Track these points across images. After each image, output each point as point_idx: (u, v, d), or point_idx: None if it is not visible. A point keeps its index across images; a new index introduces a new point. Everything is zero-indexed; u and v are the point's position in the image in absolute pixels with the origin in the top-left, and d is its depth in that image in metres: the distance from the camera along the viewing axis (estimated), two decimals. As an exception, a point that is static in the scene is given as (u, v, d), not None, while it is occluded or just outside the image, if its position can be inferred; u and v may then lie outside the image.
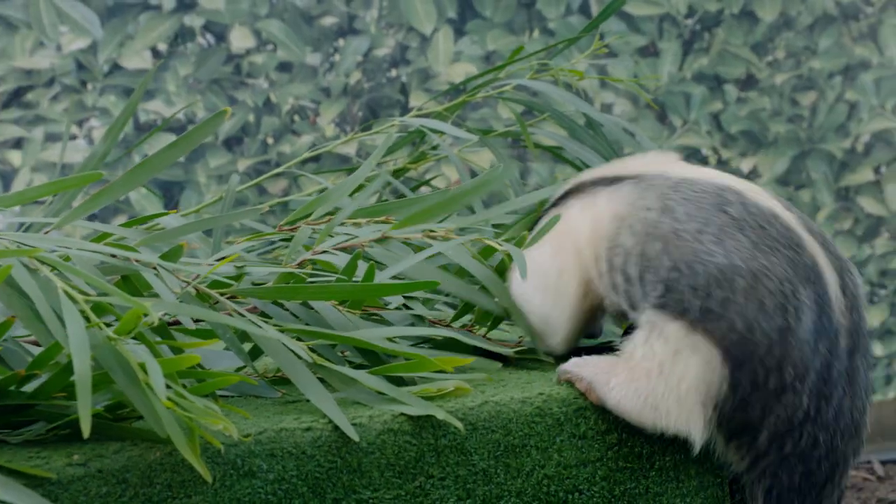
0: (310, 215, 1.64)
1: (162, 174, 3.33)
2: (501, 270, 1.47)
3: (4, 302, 1.25)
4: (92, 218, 3.15)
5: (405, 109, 3.49)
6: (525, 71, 2.30)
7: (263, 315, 1.45)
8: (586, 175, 1.53)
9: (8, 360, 1.28)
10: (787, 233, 1.31)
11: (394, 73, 3.49)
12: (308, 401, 1.31)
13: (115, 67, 3.28)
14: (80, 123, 3.29)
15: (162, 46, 3.33)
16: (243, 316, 1.33)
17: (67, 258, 1.34)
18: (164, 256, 1.40)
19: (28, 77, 3.23)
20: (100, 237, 1.49)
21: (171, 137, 3.41)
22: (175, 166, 3.38)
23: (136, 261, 1.35)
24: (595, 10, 3.54)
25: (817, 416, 1.26)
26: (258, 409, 1.33)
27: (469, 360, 1.30)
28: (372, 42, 3.47)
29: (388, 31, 3.48)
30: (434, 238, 1.55)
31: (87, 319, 1.20)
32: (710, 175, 1.41)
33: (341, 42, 3.46)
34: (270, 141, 3.43)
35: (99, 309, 1.24)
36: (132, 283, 1.40)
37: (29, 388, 1.23)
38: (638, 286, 1.32)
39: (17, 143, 3.23)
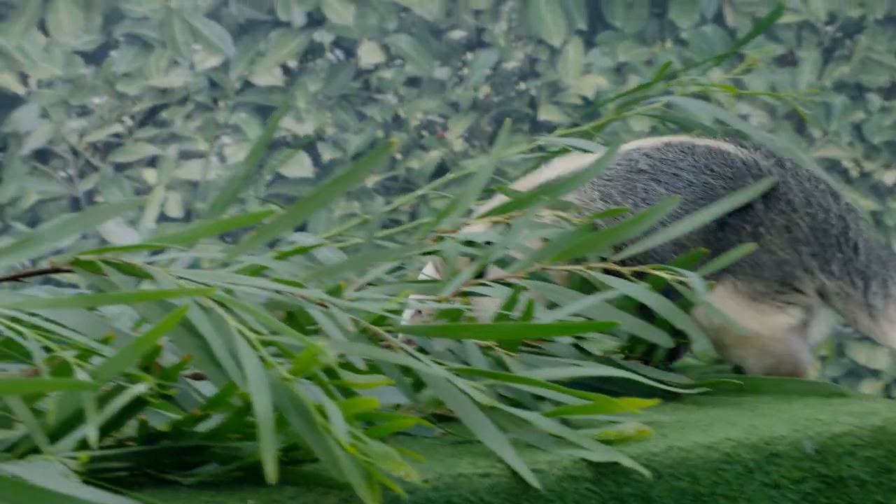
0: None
1: (291, 191, 3.34)
2: (685, 305, 1.41)
3: (176, 341, 1.23)
4: (226, 238, 3.17)
5: (534, 123, 3.44)
6: (666, 87, 2.23)
7: (421, 350, 1.41)
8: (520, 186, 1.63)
9: (179, 400, 1.26)
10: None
11: (523, 86, 3.44)
12: (478, 442, 1.27)
13: (247, 85, 3.30)
14: (211, 141, 3.31)
15: (292, 63, 3.33)
16: (412, 355, 1.29)
17: (230, 292, 1.31)
18: (328, 292, 1.37)
19: (162, 95, 3.26)
20: (256, 269, 1.47)
21: (298, 153, 3.41)
22: (303, 182, 3.38)
23: (303, 297, 1.33)
24: (730, 18, 3.45)
25: None
26: (427, 451, 1.29)
27: (654, 402, 1.24)
28: (501, 55, 3.42)
29: (516, 43, 3.43)
30: (593, 270, 1.49)
31: (262, 359, 1.17)
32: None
33: (470, 55, 3.42)
34: (399, 156, 3.41)
35: (271, 347, 1.21)
36: (297, 321, 1.37)
37: (202, 428, 1.21)
38: None
39: (152, 162, 3.27)
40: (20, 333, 1.22)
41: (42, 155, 3.18)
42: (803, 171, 1.47)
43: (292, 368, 1.18)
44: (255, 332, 1.22)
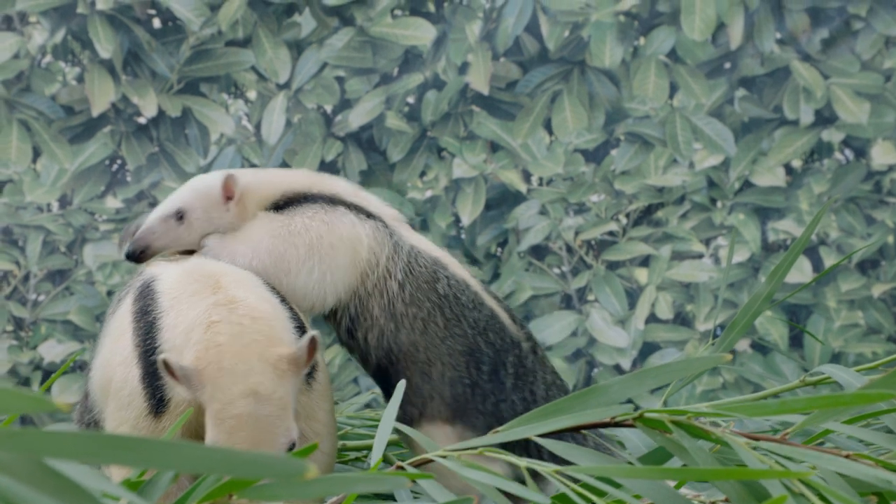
0: None
1: (792, 297, 3.15)
2: None
3: (760, 526, 1.10)
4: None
5: None
6: None
7: None
8: None
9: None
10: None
11: None
12: None
13: (746, 185, 3.16)
14: (706, 242, 3.20)
15: (796, 163, 3.15)
16: None
17: (814, 469, 1.17)
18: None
19: (659, 195, 3.20)
20: (820, 435, 1.32)
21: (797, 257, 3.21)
22: (800, 288, 3.18)
23: (899, 482, 1.15)
24: None
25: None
26: None
27: None
28: None
29: None
30: None
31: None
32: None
33: None
34: (911, 265, 3.12)
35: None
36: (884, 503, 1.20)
37: None
38: None
39: (645, 261, 3.21)
40: (585, 498, 1.15)
41: (538, 251, 3.22)
42: None
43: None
44: (853, 526, 1.07)
